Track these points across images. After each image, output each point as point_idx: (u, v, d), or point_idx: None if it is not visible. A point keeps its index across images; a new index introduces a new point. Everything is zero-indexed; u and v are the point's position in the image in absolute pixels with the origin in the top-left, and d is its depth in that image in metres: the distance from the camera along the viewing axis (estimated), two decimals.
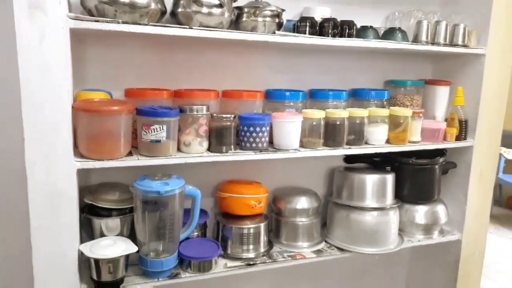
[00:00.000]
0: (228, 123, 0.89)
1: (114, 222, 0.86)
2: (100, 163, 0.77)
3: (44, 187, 0.72)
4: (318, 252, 1.02)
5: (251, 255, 0.97)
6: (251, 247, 0.98)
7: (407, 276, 1.39)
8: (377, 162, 1.16)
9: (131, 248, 0.82)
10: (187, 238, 0.95)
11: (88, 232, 0.87)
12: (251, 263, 0.95)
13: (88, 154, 0.78)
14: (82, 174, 0.86)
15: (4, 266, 0.94)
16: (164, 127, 0.82)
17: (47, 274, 0.74)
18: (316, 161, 1.15)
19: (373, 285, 1.35)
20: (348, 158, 1.19)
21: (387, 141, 1.04)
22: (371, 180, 1.06)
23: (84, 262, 0.81)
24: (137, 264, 0.87)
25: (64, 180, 0.73)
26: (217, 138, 0.89)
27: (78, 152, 0.78)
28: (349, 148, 0.98)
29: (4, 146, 0.89)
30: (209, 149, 0.90)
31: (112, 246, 0.81)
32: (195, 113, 0.87)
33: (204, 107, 0.88)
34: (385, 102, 1.09)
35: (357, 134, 1.00)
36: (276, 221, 1.06)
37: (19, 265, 0.85)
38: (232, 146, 0.90)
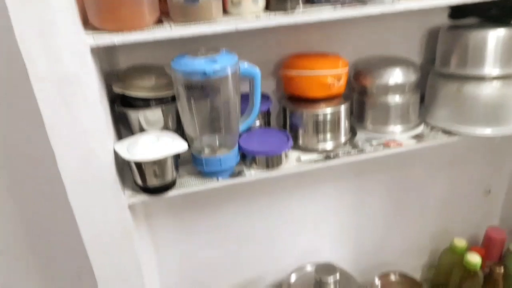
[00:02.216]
0: None
1: (154, 114, 0.68)
2: (120, 36, 0.55)
3: (49, 75, 0.53)
4: (418, 137, 0.79)
5: (330, 145, 0.77)
6: (328, 136, 0.77)
7: None
8: (494, 17, 0.84)
9: (179, 145, 0.65)
10: (248, 130, 0.76)
11: (128, 131, 0.71)
12: (331, 155, 0.75)
13: (101, 25, 0.56)
14: (103, 55, 0.66)
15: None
16: None
17: (77, 180, 0.60)
18: (411, 20, 0.85)
19: (473, 174, 1.12)
20: (455, 12, 0.87)
21: None
22: (494, 37, 0.75)
23: (125, 164, 0.66)
24: (191, 163, 0.71)
25: (74, 62, 0.53)
26: None
27: (89, 26, 0.57)
28: None
29: None
30: (267, 7, 0.64)
31: (154, 144, 0.64)
32: None
33: None
34: None
35: None
36: (359, 103, 0.83)
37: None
38: (299, 0, 0.64)
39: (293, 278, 1.02)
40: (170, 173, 0.66)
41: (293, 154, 0.76)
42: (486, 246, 1.12)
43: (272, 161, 0.72)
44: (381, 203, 1.08)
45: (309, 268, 1.03)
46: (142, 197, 0.66)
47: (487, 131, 0.78)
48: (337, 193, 1.02)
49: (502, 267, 1.05)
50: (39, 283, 0.91)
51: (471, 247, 1.09)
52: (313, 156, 0.75)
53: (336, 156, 0.74)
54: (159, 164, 0.64)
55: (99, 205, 0.63)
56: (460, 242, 1.08)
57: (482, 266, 1.02)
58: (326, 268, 0.94)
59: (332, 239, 1.10)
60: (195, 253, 0.97)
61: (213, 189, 0.83)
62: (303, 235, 1.06)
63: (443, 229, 1.18)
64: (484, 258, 1.03)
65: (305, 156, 0.75)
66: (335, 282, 0.92)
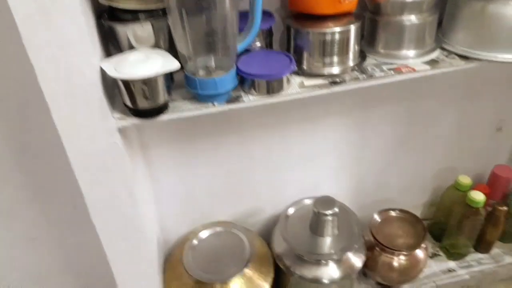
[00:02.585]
0: None
1: (144, 29, 0.61)
2: None
3: None
4: (433, 62, 0.72)
5: (336, 70, 0.71)
6: (336, 59, 0.70)
7: None
8: None
9: (170, 63, 0.59)
10: (247, 51, 0.69)
11: (117, 49, 0.65)
12: (337, 80, 0.69)
13: None
14: None
15: None
16: None
17: (61, 98, 0.55)
18: None
19: (486, 110, 1.06)
20: None
21: None
22: None
23: (115, 86, 0.61)
24: (184, 86, 0.65)
25: None
26: None
27: None
28: None
29: None
30: None
31: (144, 62, 0.58)
32: None
33: None
34: None
35: None
36: (371, 23, 0.75)
37: None
38: None
39: (291, 211, 1.00)
40: (161, 95, 0.61)
41: (296, 79, 0.70)
42: (491, 184, 1.09)
43: (272, 86, 0.66)
44: (386, 137, 1.04)
45: (308, 202, 1.02)
46: (133, 120, 0.62)
47: (510, 56, 0.71)
48: (341, 126, 0.97)
49: (505, 206, 1.03)
50: (36, 213, 0.89)
51: (476, 185, 1.06)
52: (318, 81, 0.69)
53: (342, 81, 0.68)
54: (149, 84, 0.58)
55: (86, 127, 0.58)
56: (465, 179, 1.05)
57: (485, 205, 1.00)
58: (325, 202, 0.92)
59: (333, 174, 1.07)
60: (193, 183, 0.94)
61: (210, 117, 0.78)
62: (303, 169, 1.03)
63: (448, 167, 1.15)
64: (488, 197, 1.00)
65: (309, 81, 0.69)
66: (333, 216, 0.90)
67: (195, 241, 0.92)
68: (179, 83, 0.68)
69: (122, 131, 0.63)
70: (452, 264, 1.10)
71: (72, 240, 0.94)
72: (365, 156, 1.06)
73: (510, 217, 1.06)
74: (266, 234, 1.04)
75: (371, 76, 0.69)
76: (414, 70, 0.70)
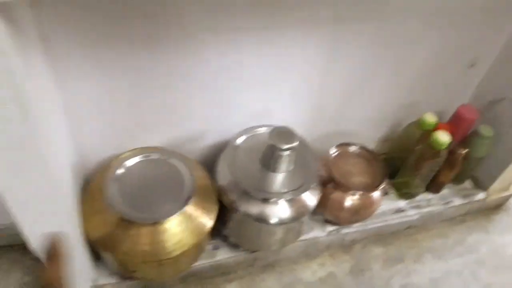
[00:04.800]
0: None
1: None
2: None
3: None
4: None
5: None
6: None
7: None
8: None
9: None
10: None
11: None
12: None
13: None
14: None
15: None
16: None
17: None
18: None
19: (462, 42, 0.94)
20: None
21: None
22: None
23: None
24: None
25: None
26: None
27: None
28: None
29: None
30: None
31: None
32: None
33: None
34: None
35: None
36: None
37: None
38: None
39: (240, 140, 0.85)
40: None
41: None
42: (453, 124, 1.01)
43: None
44: (354, 62, 0.89)
45: (262, 130, 0.87)
46: None
47: None
48: (306, 43, 0.80)
49: (465, 149, 0.97)
50: None
51: (438, 123, 0.98)
52: None
53: None
54: None
55: None
56: (430, 118, 0.96)
57: (448, 145, 0.92)
58: (283, 134, 0.78)
59: (289, 100, 0.92)
60: (115, 96, 0.73)
61: (142, 7, 0.57)
62: (256, 91, 0.85)
63: (412, 101, 1.05)
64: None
65: None
66: (291, 150, 0.77)
67: (120, 170, 0.74)
68: None
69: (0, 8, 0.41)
70: (402, 203, 1.05)
71: None
72: (328, 83, 0.91)
73: (466, 160, 1.01)
74: (208, 164, 0.89)
75: None
76: None
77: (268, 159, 0.79)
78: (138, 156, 0.77)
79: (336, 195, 0.90)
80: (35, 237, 0.66)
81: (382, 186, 0.89)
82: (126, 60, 0.68)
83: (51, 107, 0.64)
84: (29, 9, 0.56)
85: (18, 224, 0.61)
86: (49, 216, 0.62)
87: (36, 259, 0.86)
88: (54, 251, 0.41)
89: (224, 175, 0.82)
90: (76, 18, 0.61)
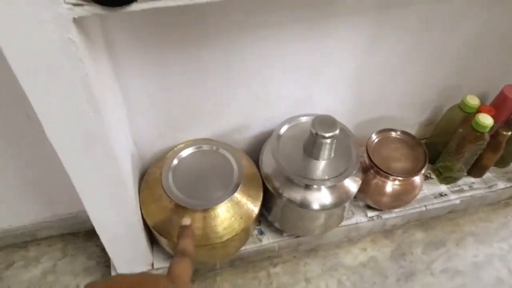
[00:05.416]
0: None
1: None
2: None
3: None
4: None
5: None
6: None
7: None
8: None
9: None
10: None
11: None
12: None
13: None
14: None
15: None
16: None
17: None
18: None
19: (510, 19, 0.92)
20: None
21: None
22: None
23: None
24: None
25: None
26: None
27: None
28: None
29: None
30: None
31: None
32: None
33: None
34: None
35: None
36: None
37: None
38: None
39: (284, 129, 0.89)
40: None
41: None
42: (497, 105, 1.00)
43: None
44: (395, 48, 0.89)
45: (304, 119, 0.90)
46: (93, 9, 0.45)
47: None
48: (348, 31, 0.81)
49: (509, 131, 0.96)
50: None
51: (480, 106, 0.97)
52: None
53: None
54: None
55: (26, 16, 0.42)
56: (473, 100, 0.96)
57: (491, 128, 0.92)
58: (325, 122, 0.80)
59: (330, 87, 0.93)
60: (168, 93, 0.78)
61: (193, 13, 0.62)
62: (296, 80, 0.88)
63: (454, 85, 1.04)
64: (492, 119, 0.92)
65: None
66: (332, 138, 0.80)
67: (175, 161, 0.80)
68: None
69: (78, 23, 0.46)
70: (443, 188, 1.06)
71: (29, 154, 0.81)
72: (367, 68, 0.92)
73: (510, 142, 0.99)
74: (253, 153, 0.94)
75: None
76: None
77: (311, 147, 0.82)
78: (191, 148, 0.83)
79: (377, 181, 0.92)
80: (101, 224, 0.73)
81: (423, 171, 0.90)
82: (178, 58, 0.73)
83: (114, 104, 0.70)
84: (98, 21, 0.61)
85: (88, 212, 0.68)
86: (115, 205, 0.69)
87: (99, 245, 0.94)
88: (186, 229, 0.52)
89: (268, 164, 0.86)
90: (135, 25, 0.66)
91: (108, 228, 0.74)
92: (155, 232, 0.78)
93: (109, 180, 0.64)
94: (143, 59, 0.71)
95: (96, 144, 0.57)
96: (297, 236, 0.95)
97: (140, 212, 0.78)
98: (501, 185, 1.07)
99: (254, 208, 0.80)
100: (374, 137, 0.96)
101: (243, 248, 0.90)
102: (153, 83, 0.76)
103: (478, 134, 0.92)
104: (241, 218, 0.78)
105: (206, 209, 0.75)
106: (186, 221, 0.54)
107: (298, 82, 0.88)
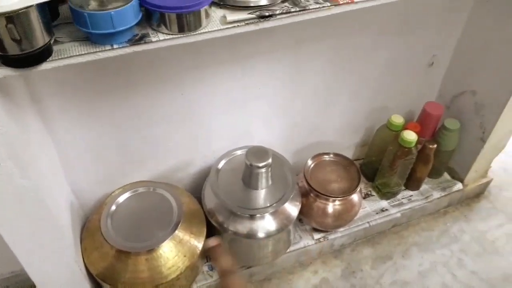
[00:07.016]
0: None
1: None
2: None
3: None
4: None
5: (265, 0, 0.59)
6: None
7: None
8: None
9: None
10: None
11: None
12: (266, 13, 0.58)
13: None
14: None
15: None
16: None
17: None
18: None
19: (419, 44, 1.02)
20: None
21: None
22: None
23: None
24: (71, 22, 0.51)
25: None
26: None
27: None
28: None
29: None
30: None
31: None
32: None
33: None
34: None
35: None
36: None
37: None
38: None
39: (222, 163, 0.92)
40: (39, 36, 0.46)
41: (217, 13, 0.58)
42: (422, 122, 1.08)
43: (187, 21, 0.54)
44: (318, 78, 0.96)
45: (240, 152, 0.94)
46: (3, 71, 0.47)
47: None
48: (272, 67, 0.87)
49: (434, 144, 1.03)
50: None
51: (407, 123, 1.05)
52: (243, 15, 0.58)
53: (272, 15, 0.58)
54: (18, 20, 0.43)
55: None
56: (397, 119, 1.03)
57: (416, 143, 0.99)
58: (258, 152, 0.84)
59: (264, 120, 0.98)
60: (104, 140, 0.80)
61: (115, 61, 0.64)
62: (232, 117, 0.92)
63: (380, 106, 1.12)
64: (419, 135, 0.99)
65: (233, 16, 0.57)
66: (267, 167, 0.84)
67: (113, 207, 0.81)
68: (67, 18, 0.53)
69: None
70: (384, 203, 1.11)
71: None
72: (297, 100, 0.98)
73: (438, 154, 1.07)
74: (196, 189, 0.96)
75: (304, 9, 0.58)
76: (352, 1, 0.60)
77: (248, 177, 0.86)
78: (128, 192, 0.84)
79: (318, 203, 0.96)
80: (41, 278, 0.71)
81: (358, 189, 0.95)
82: (108, 106, 0.76)
83: (46, 156, 0.70)
84: (21, 80, 0.63)
85: (26, 268, 0.67)
86: (52, 256, 0.68)
87: None
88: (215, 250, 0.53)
89: (210, 199, 0.89)
90: (61, 80, 0.68)
91: (49, 281, 0.73)
92: (99, 280, 0.78)
93: (44, 232, 0.64)
94: (74, 110, 0.73)
95: (25, 198, 0.58)
96: (249, 267, 0.96)
97: (82, 261, 0.77)
98: (436, 194, 1.14)
99: (198, 244, 0.82)
100: (310, 162, 1.00)
101: (194, 286, 0.90)
102: (87, 132, 0.78)
103: (406, 149, 0.99)
104: (184, 256, 0.79)
105: (149, 251, 0.75)
106: (213, 241, 0.55)
107: (232, 117, 0.92)
